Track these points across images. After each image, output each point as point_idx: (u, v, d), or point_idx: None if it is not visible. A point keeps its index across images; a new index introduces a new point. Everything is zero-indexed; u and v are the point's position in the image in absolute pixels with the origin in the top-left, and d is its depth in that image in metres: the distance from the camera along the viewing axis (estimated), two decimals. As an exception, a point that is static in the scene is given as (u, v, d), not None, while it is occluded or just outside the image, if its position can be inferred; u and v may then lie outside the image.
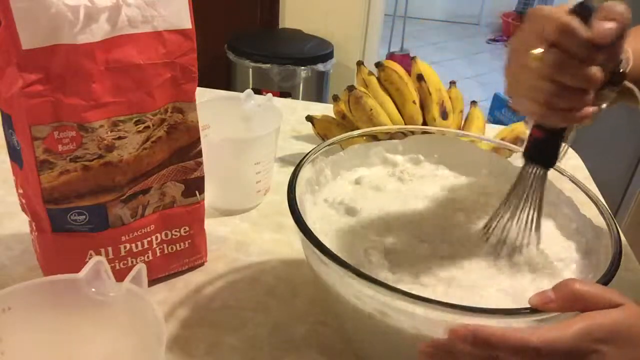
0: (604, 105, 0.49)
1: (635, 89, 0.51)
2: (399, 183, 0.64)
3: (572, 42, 0.43)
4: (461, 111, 0.93)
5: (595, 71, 0.44)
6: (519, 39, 0.48)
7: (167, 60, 0.53)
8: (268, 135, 0.72)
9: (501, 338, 0.37)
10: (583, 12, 0.43)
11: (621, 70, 0.48)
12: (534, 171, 0.52)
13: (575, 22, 0.42)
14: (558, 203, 0.59)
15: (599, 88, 0.46)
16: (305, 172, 0.56)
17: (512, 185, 0.53)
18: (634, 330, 0.39)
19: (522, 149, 0.53)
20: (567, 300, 0.40)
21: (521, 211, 0.53)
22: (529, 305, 0.41)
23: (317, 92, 2.42)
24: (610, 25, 0.43)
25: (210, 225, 0.68)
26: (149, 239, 0.59)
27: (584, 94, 0.45)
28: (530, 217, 0.53)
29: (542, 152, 0.51)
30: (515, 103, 0.49)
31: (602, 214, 0.53)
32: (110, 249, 0.57)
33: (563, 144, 0.50)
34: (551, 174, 0.59)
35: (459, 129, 0.91)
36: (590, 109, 0.46)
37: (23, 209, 0.57)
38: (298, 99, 2.30)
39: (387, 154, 0.66)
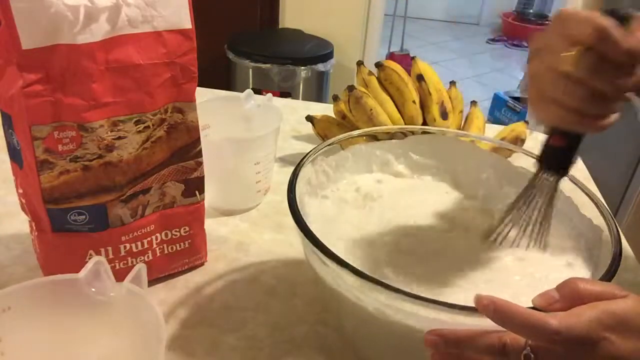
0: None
1: None
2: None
3: (610, 47, 0.41)
4: (461, 111, 0.93)
5: (630, 79, 0.42)
6: (545, 39, 0.45)
7: (167, 60, 0.53)
8: (268, 135, 0.72)
9: (521, 315, 0.37)
10: (615, 18, 0.42)
11: None
12: (547, 178, 0.50)
13: (615, 27, 0.41)
14: (557, 203, 0.59)
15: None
16: (305, 172, 0.56)
17: (522, 191, 0.52)
18: None
19: (535, 154, 0.51)
20: (571, 300, 0.40)
21: (529, 218, 0.52)
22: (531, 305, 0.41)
23: (317, 92, 2.42)
24: None
25: (210, 225, 0.68)
26: (149, 239, 0.59)
27: (613, 101, 0.44)
28: (538, 226, 0.52)
29: (559, 160, 0.50)
30: (537, 108, 0.46)
31: (602, 214, 0.53)
32: (110, 249, 0.57)
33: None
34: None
35: (459, 129, 0.91)
36: (613, 118, 0.45)
37: (23, 209, 0.57)
38: (298, 99, 2.30)
39: (389, 155, 0.66)
